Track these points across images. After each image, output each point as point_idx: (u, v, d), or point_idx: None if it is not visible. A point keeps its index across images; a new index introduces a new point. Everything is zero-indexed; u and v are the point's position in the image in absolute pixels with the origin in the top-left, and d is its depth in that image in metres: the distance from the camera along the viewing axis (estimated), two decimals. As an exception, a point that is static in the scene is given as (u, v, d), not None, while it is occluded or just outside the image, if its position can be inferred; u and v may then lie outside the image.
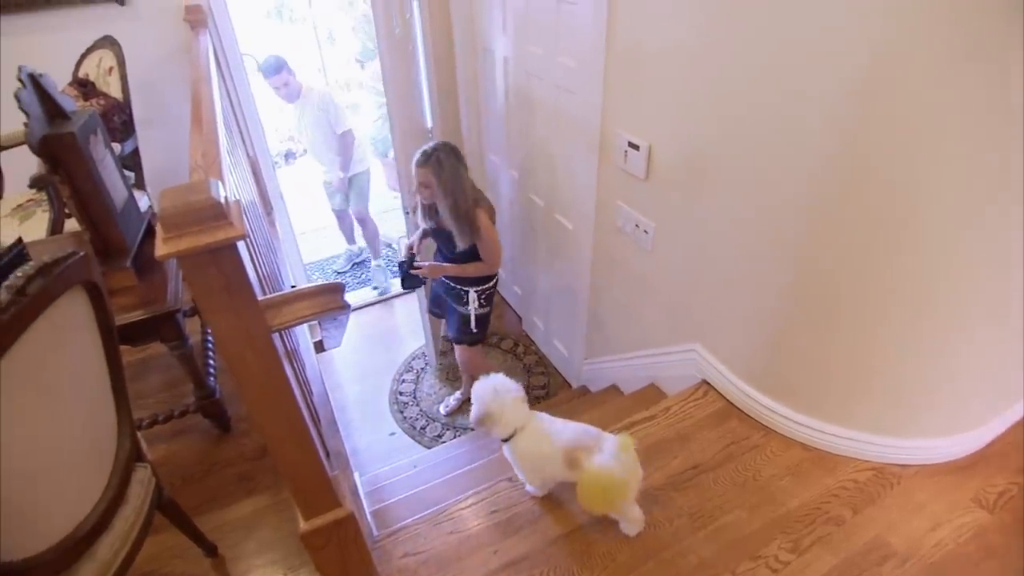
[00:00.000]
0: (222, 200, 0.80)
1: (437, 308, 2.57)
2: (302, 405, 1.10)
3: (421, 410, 2.82)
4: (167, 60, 2.55)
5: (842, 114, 1.20)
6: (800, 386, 1.63)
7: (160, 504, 1.27)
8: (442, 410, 2.81)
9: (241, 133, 2.78)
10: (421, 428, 2.72)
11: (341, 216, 3.85)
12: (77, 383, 0.94)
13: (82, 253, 0.88)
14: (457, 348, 2.53)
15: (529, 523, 1.53)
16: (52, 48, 2.22)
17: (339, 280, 3.38)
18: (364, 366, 3.06)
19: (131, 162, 2.13)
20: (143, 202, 1.94)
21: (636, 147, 1.78)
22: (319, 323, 1.68)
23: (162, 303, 1.53)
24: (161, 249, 0.78)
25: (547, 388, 2.85)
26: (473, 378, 2.60)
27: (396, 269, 2.47)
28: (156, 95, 2.57)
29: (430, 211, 2.13)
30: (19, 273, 0.74)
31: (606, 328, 2.40)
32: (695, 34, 1.45)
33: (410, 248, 2.27)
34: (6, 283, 0.72)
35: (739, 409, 1.77)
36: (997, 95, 1.05)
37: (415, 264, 2.20)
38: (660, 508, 1.53)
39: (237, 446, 1.83)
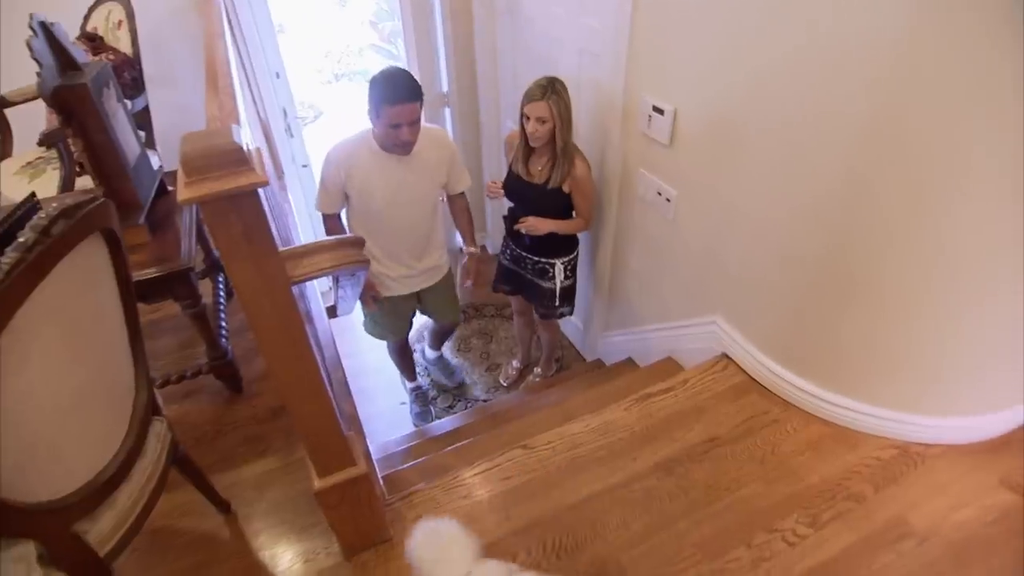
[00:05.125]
0: (243, 146, 0.81)
1: (507, 284, 2.39)
2: (319, 362, 1.13)
3: (432, 380, 2.85)
4: (176, 17, 2.54)
5: (882, 77, 1.17)
6: (823, 361, 1.63)
7: (176, 459, 1.31)
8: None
9: (253, 96, 2.78)
10: (432, 398, 2.76)
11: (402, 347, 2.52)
12: (97, 329, 0.97)
13: (103, 199, 0.89)
14: (540, 323, 2.49)
15: (542, 491, 1.55)
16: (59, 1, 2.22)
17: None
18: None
19: (141, 120, 2.14)
20: (154, 161, 1.95)
21: (661, 111, 1.76)
22: (335, 283, 1.68)
23: (175, 261, 1.55)
24: (183, 193, 0.79)
25: (561, 362, 2.88)
26: (553, 348, 2.68)
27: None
28: (165, 53, 2.56)
29: (526, 156, 2.03)
30: (43, 214, 0.76)
31: (624, 301, 2.40)
32: (728, -10, 1.43)
33: (498, 187, 2.11)
34: (30, 223, 0.74)
35: (759, 383, 1.78)
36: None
37: (518, 219, 2.08)
38: (676, 480, 1.55)
39: (249, 408, 1.87)
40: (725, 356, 1.88)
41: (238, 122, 1.13)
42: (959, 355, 1.45)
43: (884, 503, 1.46)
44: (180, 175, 0.80)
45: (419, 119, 1.78)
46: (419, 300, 2.26)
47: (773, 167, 1.49)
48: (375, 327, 2.30)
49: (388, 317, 2.25)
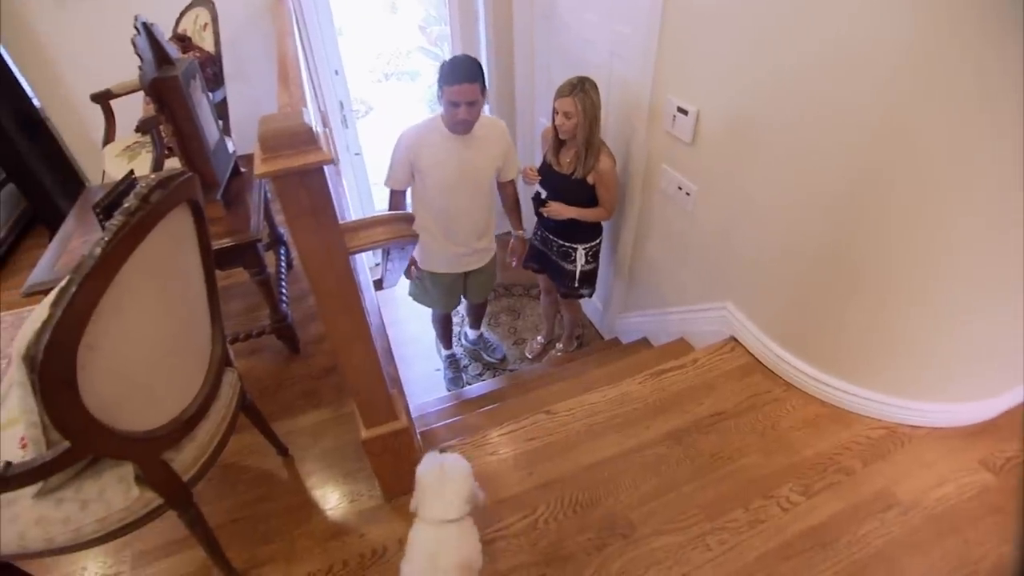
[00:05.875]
0: (312, 127, 0.84)
1: (535, 263, 2.41)
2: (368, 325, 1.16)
3: (465, 350, 2.90)
4: (252, 22, 2.61)
5: (892, 79, 1.14)
6: (823, 346, 1.61)
7: (244, 406, 1.37)
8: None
9: (314, 89, 2.83)
10: (464, 366, 2.81)
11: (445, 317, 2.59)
12: (184, 288, 1.02)
13: (190, 174, 0.93)
14: (563, 302, 2.51)
15: (562, 452, 1.58)
16: (156, 5, 2.28)
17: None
18: (418, 305, 3.13)
19: (220, 110, 2.20)
20: (229, 146, 2.01)
21: (685, 112, 1.74)
22: (385, 257, 1.72)
23: (246, 233, 1.61)
24: (259, 168, 0.82)
25: (581, 339, 2.89)
26: (575, 327, 2.71)
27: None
28: (241, 53, 2.63)
29: (557, 148, 2.04)
30: (143, 184, 0.80)
31: (642, 285, 2.40)
32: (753, 4, 1.39)
33: (534, 173, 2.11)
34: (134, 191, 0.78)
35: (763, 364, 1.77)
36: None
37: (544, 202, 2.10)
38: (684, 448, 1.56)
39: (305, 366, 1.94)
40: (733, 339, 1.87)
41: (306, 107, 1.16)
42: (948, 348, 1.42)
43: (871, 477, 1.44)
44: (257, 152, 0.83)
45: (477, 101, 1.77)
46: (465, 278, 2.30)
47: (787, 165, 1.46)
48: (425, 296, 2.34)
49: (440, 293, 2.30)
